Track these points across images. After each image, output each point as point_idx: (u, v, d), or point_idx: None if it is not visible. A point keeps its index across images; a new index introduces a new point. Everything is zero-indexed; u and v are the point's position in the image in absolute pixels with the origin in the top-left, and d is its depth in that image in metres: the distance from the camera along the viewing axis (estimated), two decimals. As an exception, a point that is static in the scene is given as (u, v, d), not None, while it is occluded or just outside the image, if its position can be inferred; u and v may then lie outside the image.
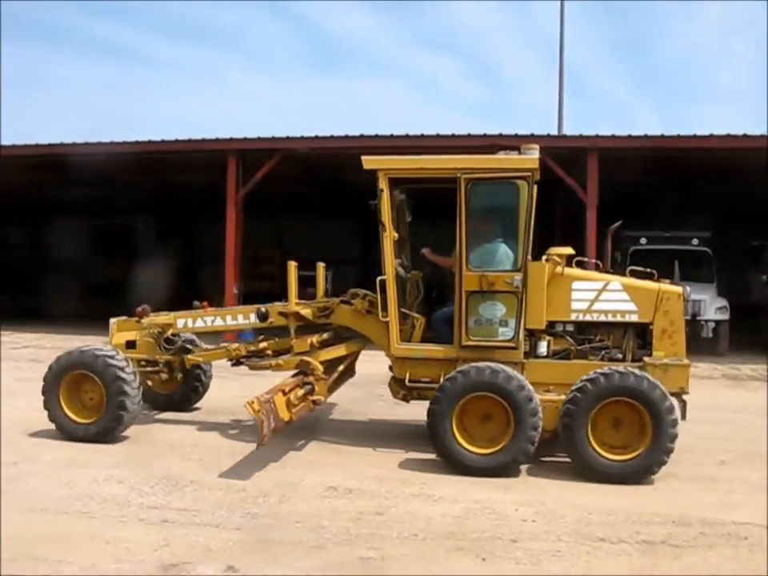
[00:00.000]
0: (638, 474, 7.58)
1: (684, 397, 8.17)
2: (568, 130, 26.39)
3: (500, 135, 16.66)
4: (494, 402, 7.77)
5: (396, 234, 8.65)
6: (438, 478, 7.64)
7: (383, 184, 8.51)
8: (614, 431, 7.74)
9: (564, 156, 17.60)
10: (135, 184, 25.39)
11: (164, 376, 9.90)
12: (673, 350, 8.26)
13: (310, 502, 6.84)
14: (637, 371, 7.68)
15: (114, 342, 9.60)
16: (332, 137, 18.06)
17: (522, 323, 8.22)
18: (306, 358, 8.67)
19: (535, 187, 8.42)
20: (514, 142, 10.34)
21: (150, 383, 9.98)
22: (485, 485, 7.49)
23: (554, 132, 24.31)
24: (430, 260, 9.24)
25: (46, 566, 5.37)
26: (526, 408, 7.63)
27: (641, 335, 8.54)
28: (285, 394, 7.97)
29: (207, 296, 12.45)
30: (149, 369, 9.69)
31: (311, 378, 8.56)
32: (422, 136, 17.58)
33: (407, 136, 17.56)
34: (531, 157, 8.34)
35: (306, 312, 9.09)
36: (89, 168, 21.41)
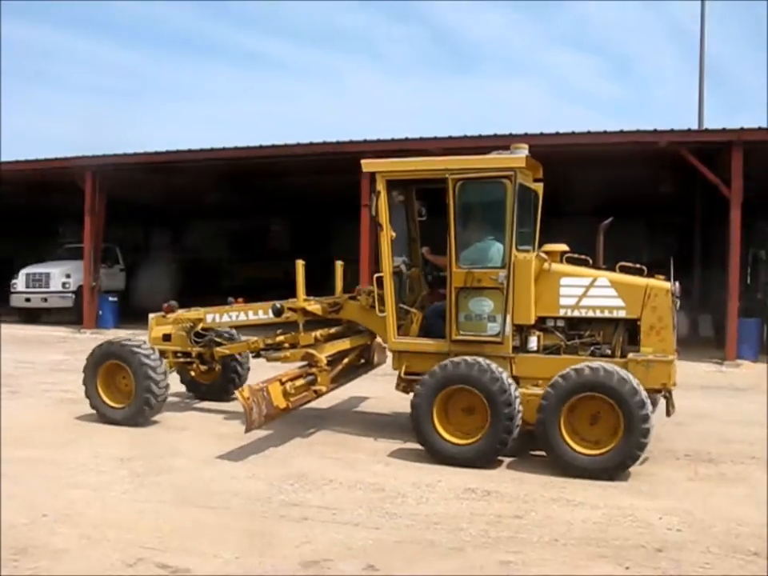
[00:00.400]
0: (611, 468, 7.61)
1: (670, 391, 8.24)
2: (709, 125, 25.33)
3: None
4: (474, 394, 7.98)
5: (393, 234, 9.04)
6: (578, 482, 7.46)
7: (380, 186, 8.89)
8: (591, 426, 7.82)
9: (705, 151, 16.99)
10: (271, 187, 26.00)
11: (203, 367, 10.65)
12: (661, 346, 8.23)
13: (448, 504, 6.81)
14: (608, 366, 7.69)
15: (153, 335, 10.54)
16: (465, 137, 17.95)
17: (510, 319, 8.38)
18: (310, 350, 9.14)
19: (541, 186, 9.22)
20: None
21: (192, 374, 10.84)
22: (626, 490, 7.30)
23: (695, 126, 23.36)
24: (428, 259, 9.64)
25: (192, 558, 5.52)
26: (500, 399, 7.81)
27: (630, 331, 8.51)
28: (282, 383, 8.51)
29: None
30: (181, 360, 10.50)
31: (314, 370, 9.05)
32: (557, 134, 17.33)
33: (541, 134, 17.30)
34: (517, 156, 8.56)
35: (315, 308, 9.55)
36: (225, 172, 22.10)
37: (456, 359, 8.20)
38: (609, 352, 8.49)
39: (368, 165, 9.21)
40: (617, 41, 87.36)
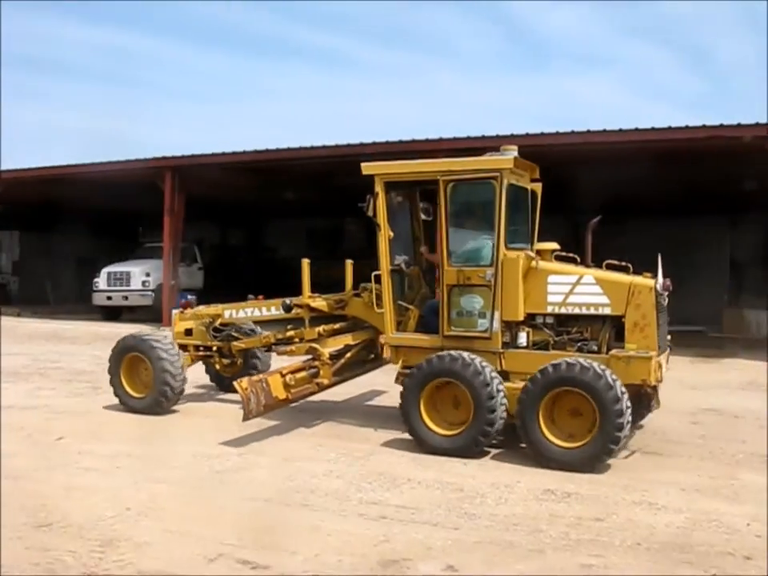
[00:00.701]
0: (586, 461, 7.75)
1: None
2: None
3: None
4: (459, 387, 8.28)
5: (391, 234, 9.34)
6: (660, 485, 7.32)
7: (379, 187, 9.23)
8: (572, 420, 7.99)
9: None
10: (347, 185, 26.08)
11: (225, 361, 11.23)
12: (645, 342, 8.32)
13: (527, 505, 6.73)
14: (585, 362, 7.82)
15: (176, 330, 11.17)
16: (542, 134, 17.78)
17: (498, 315, 8.64)
18: (313, 344, 9.57)
19: (539, 185, 9.58)
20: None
21: (217, 367, 11.37)
22: (709, 495, 7.13)
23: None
24: (426, 258, 9.96)
25: (272, 555, 5.55)
26: (482, 392, 8.09)
27: (617, 327, 8.61)
28: (282, 375, 9.03)
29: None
30: (200, 353, 11.10)
31: (317, 363, 9.48)
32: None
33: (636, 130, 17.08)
34: (505, 157, 8.81)
35: (320, 304, 10.04)
36: (303, 171, 22.28)
37: (442, 353, 8.51)
38: (595, 348, 8.62)
39: (367, 167, 9.42)
40: (695, 32, 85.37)
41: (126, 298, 25.18)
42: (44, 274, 35.93)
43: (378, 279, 9.43)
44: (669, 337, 9.22)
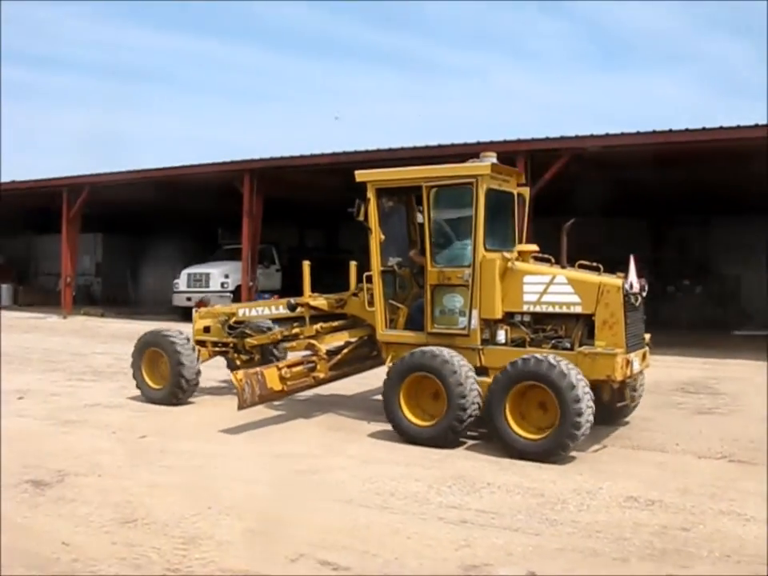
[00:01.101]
0: (547, 452, 8.08)
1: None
2: None
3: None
4: (435, 381, 8.72)
5: (382, 237, 9.83)
6: (748, 495, 7.09)
7: (371, 193, 9.78)
8: (540, 413, 8.34)
9: None
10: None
11: (244, 357, 11.64)
12: (613, 340, 8.64)
13: (610, 512, 6.59)
14: (551, 358, 8.21)
15: (196, 327, 11.83)
16: (623, 134, 17.46)
17: (477, 313, 9.10)
18: (311, 341, 10.16)
19: (527, 189, 10.22)
20: None
21: (237, 363, 11.68)
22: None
23: None
24: (415, 261, 10.10)
25: (351, 556, 5.56)
26: (454, 385, 8.52)
27: (588, 326, 8.92)
28: (278, 369, 9.67)
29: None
30: (217, 349, 11.72)
31: (314, 358, 10.08)
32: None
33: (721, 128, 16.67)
34: (482, 164, 9.29)
35: (320, 303, 10.63)
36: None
37: (420, 349, 9.02)
38: (568, 345, 8.90)
39: (359, 175, 10.01)
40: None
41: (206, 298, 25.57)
42: (125, 276, 36.81)
43: (369, 279, 9.93)
44: (647, 336, 9.66)
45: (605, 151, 18.23)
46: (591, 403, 8.09)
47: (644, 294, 9.29)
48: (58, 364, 15.11)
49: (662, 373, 9.92)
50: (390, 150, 20.31)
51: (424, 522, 6.29)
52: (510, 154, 18.79)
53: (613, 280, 8.89)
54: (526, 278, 9.14)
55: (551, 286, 9.03)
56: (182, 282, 26.41)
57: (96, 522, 6.17)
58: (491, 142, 18.94)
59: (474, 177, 9.10)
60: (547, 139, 18.38)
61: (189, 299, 25.79)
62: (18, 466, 7.76)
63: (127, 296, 35.72)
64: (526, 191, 10.32)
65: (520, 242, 10.05)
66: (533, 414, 8.40)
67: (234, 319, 11.58)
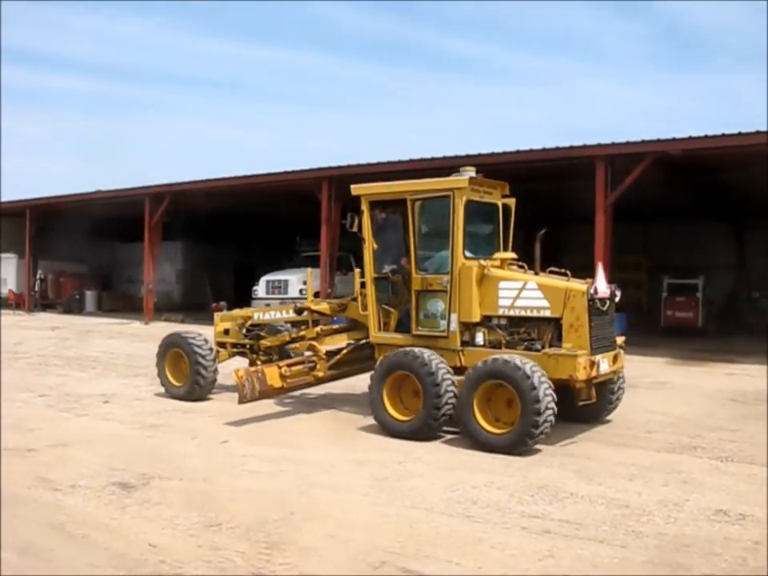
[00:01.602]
0: (509, 446, 8.60)
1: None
2: None
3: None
4: (413, 379, 9.38)
5: (375, 246, 10.54)
6: None
7: (364, 206, 10.54)
8: (507, 410, 8.84)
9: None
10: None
11: (263, 357, 12.24)
12: (578, 342, 9.16)
13: (698, 525, 6.41)
14: (517, 358, 8.76)
15: (217, 330, 12.74)
16: (706, 136, 17.06)
17: (455, 317, 9.75)
18: (312, 342, 10.94)
19: (513, 200, 10.68)
20: None
21: (258, 363, 12.09)
22: None
23: None
24: (406, 268, 10.47)
25: (434, 565, 5.52)
26: (429, 383, 9.15)
27: (558, 328, 9.45)
28: (279, 367, 10.42)
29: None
30: (235, 350, 12.57)
31: (315, 358, 10.81)
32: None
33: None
34: (459, 178, 9.98)
35: (322, 307, 11.51)
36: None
37: (402, 350, 9.72)
38: (539, 347, 9.42)
39: (355, 189, 10.83)
40: None
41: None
42: (205, 282, 37.42)
43: (364, 286, 10.68)
44: (621, 338, 10.15)
45: (687, 154, 17.84)
46: (552, 403, 8.56)
47: (616, 299, 9.86)
48: (141, 369, 15.41)
49: (746, 382, 9.64)
50: (468, 156, 20.22)
51: (507, 532, 6.21)
52: (588, 158, 18.59)
53: (578, 285, 9.40)
54: (501, 284, 9.74)
55: (523, 291, 9.59)
56: (260, 289, 26.71)
57: (181, 525, 6.26)
58: (562, 147, 18.81)
59: (451, 190, 9.77)
60: (628, 143, 18.05)
61: (268, 305, 26.01)
62: (105, 468, 7.94)
63: (207, 302, 36.29)
64: (511, 202, 10.79)
65: (506, 249, 10.64)
66: (501, 410, 8.92)
67: (249, 322, 12.52)
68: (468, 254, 9.88)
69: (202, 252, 38.00)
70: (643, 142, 17.81)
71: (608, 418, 10.45)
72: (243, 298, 27.26)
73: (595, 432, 9.92)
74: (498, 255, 10.17)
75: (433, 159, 20.68)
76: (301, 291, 25.54)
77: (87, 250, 38.54)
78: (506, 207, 10.72)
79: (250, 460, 8.33)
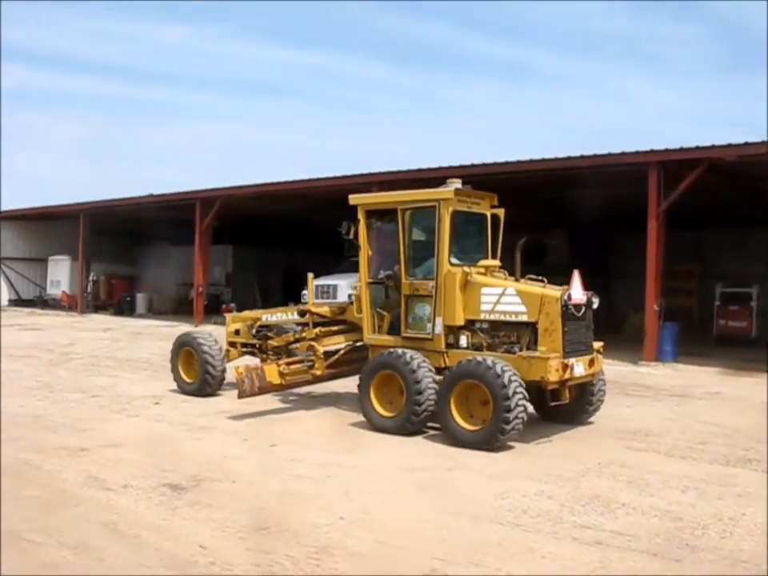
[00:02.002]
0: (481, 442, 9.06)
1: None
2: None
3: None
4: (397, 377, 9.92)
5: (370, 252, 11.15)
6: None
7: (361, 215, 11.06)
8: (482, 408, 9.25)
9: None
10: (550, 199, 25.75)
11: (273, 357, 12.50)
12: (552, 345, 9.60)
13: (755, 540, 6.26)
14: (489, 360, 9.23)
15: (228, 330, 13.31)
16: (763, 142, 16.72)
17: (440, 321, 10.28)
18: (311, 342, 11.56)
19: (502, 210, 11.15)
20: None
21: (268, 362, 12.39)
22: None
23: None
24: (399, 274, 10.88)
25: (484, 573, 5.47)
26: (411, 381, 9.69)
27: (534, 332, 9.89)
28: (278, 365, 11.18)
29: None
30: (245, 349, 13.11)
31: (313, 357, 11.44)
32: None
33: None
34: (446, 189, 10.61)
35: (322, 310, 12.10)
36: (505, 185, 22.10)
37: (388, 350, 10.31)
38: (517, 350, 9.86)
39: (352, 199, 11.28)
40: None
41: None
42: (254, 286, 37.67)
43: (357, 290, 11.47)
44: (599, 344, 10.47)
45: (743, 160, 17.54)
46: (523, 401, 8.99)
47: (593, 306, 10.24)
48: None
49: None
50: (508, 162, 20.18)
51: (558, 542, 6.13)
52: (640, 164, 18.36)
53: (553, 292, 9.85)
54: (483, 290, 10.23)
55: (503, 297, 10.08)
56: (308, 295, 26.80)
57: (231, 528, 6.28)
58: (614, 153, 18.61)
59: (437, 201, 10.34)
60: (681, 149, 17.78)
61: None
62: (156, 469, 8.01)
63: (255, 305, 36.55)
64: (500, 212, 11.26)
65: (494, 257, 11.14)
66: (477, 409, 9.36)
67: (258, 323, 12.96)
68: (455, 260, 10.43)
69: (250, 255, 38.29)
70: (698, 147, 17.53)
71: (590, 420, 10.89)
72: (292, 301, 27.37)
73: (647, 442, 9.78)
74: (482, 263, 10.68)
75: (494, 164, 20.60)
76: (349, 296, 25.60)
77: (138, 252, 39.07)
78: (494, 217, 11.26)
79: (298, 464, 8.35)
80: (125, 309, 36.11)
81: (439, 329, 10.30)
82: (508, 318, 10.08)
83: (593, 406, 10.69)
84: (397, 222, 10.63)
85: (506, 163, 20.35)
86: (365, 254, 11.12)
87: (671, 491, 7.57)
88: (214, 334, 13.28)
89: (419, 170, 22.13)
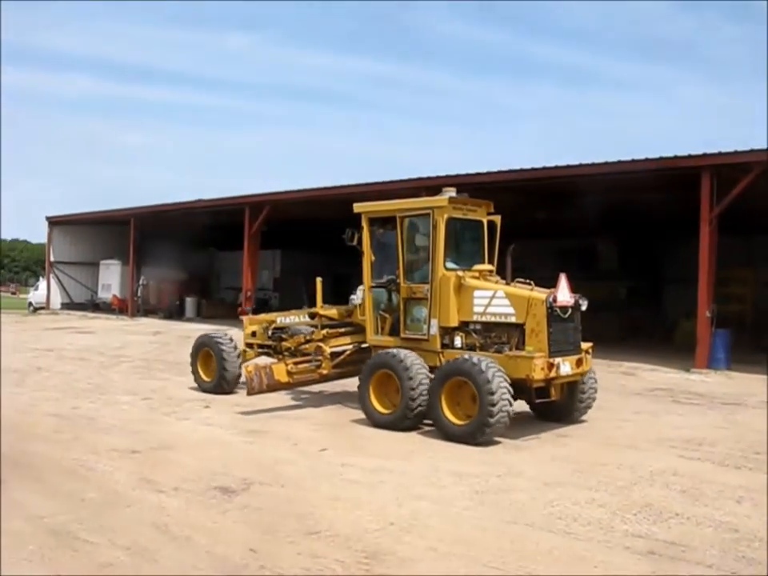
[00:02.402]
0: (468, 435, 9.62)
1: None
2: None
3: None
4: (393, 376, 10.51)
5: (373, 257, 11.73)
6: None
7: (364, 222, 11.73)
8: (472, 404, 9.75)
9: None
10: (598, 205, 25.47)
11: (288, 357, 12.73)
12: (538, 345, 10.14)
13: (814, 553, 6.12)
14: (475, 358, 9.80)
15: (246, 332, 13.84)
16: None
17: (436, 322, 10.95)
18: (319, 343, 12.27)
19: (498, 217, 11.69)
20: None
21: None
22: None
23: None
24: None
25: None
26: (405, 379, 10.26)
27: (523, 333, 10.43)
28: (286, 364, 11.93)
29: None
30: (261, 350, 13.58)
31: (320, 357, 12.09)
32: None
33: None
34: (441, 197, 11.28)
35: (330, 312, 12.92)
36: (554, 189, 21.97)
37: (384, 350, 11.03)
38: (507, 349, 10.44)
39: (357, 207, 11.90)
40: None
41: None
42: (302, 290, 37.83)
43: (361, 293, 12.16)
44: (588, 344, 10.85)
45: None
46: (507, 396, 9.50)
47: (582, 308, 10.74)
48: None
49: None
50: (558, 167, 20.06)
51: (609, 551, 6.06)
52: (692, 169, 18.07)
53: (539, 294, 10.36)
54: (476, 293, 10.81)
55: (494, 300, 10.63)
56: (357, 299, 26.88)
57: (281, 532, 6.30)
58: (666, 157, 18.35)
59: (431, 208, 11.01)
60: (734, 153, 17.42)
61: (364, 314, 26.12)
62: (207, 472, 8.08)
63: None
64: (497, 219, 11.78)
65: (491, 262, 11.72)
66: (467, 404, 9.87)
67: (273, 325, 13.39)
68: (452, 265, 11.09)
69: (299, 260, 38.46)
70: (752, 151, 17.18)
71: (583, 418, 11.31)
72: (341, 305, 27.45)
73: (700, 451, 9.62)
74: (476, 267, 11.24)
75: (544, 169, 20.50)
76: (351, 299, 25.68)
77: (187, 257, 39.47)
78: (491, 223, 11.83)
79: (348, 469, 8.35)
80: (174, 313, 36.53)
81: (435, 330, 10.99)
82: (498, 320, 10.66)
83: (583, 404, 11.12)
84: (396, 229, 11.24)
85: (557, 167, 20.21)
86: (368, 259, 11.79)
87: (726, 501, 7.44)
88: (231, 336, 14.04)
89: (467, 175, 22.06)
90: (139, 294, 37.34)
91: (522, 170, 20.92)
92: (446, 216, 10.89)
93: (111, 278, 39.65)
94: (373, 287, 11.84)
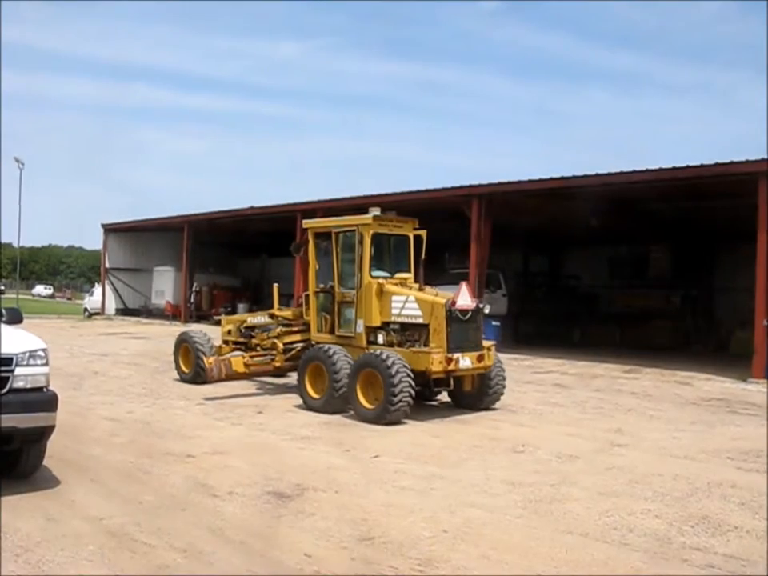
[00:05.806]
0: (376, 417, 11.33)
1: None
2: None
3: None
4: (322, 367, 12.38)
5: (318, 266, 13.76)
6: None
7: (310, 236, 13.84)
8: (381, 391, 11.32)
9: None
10: (651, 211, 25.18)
11: (261, 352, 14.59)
12: (440, 343, 11.87)
13: None
14: (385, 353, 11.55)
15: (223, 330, 16.05)
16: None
17: (361, 322, 12.80)
18: (274, 340, 14.33)
19: (424, 232, 13.58)
20: None
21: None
22: None
23: None
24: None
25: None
26: (330, 368, 12.11)
27: (429, 332, 12.10)
28: (243, 357, 13.95)
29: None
30: (235, 346, 15.49)
31: (274, 352, 14.18)
32: None
33: None
34: (366, 216, 13.01)
35: (284, 313, 14.94)
36: (608, 197, 21.72)
37: (316, 345, 13.07)
38: (417, 346, 12.07)
39: (305, 223, 14.04)
40: None
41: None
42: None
43: (305, 297, 14.25)
44: (491, 343, 12.68)
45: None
46: (407, 387, 11.16)
47: (485, 311, 12.63)
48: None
49: None
50: (610, 174, 19.81)
51: (666, 563, 5.97)
52: (749, 175, 17.73)
53: (439, 299, 12.12)
54: (393, 298, 12.62)
55: (407, 304, 12.41)
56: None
57: (335, 537, 6.33)
58: (722, 163, 18.07)
59: (357, 225, 12.93)
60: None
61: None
62: (261, 477, 8.14)
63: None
64: (423, 233, 13.58)
65: (416, 271, 13.66)
66: (377, 392, 11.41)
67: (245, 324, 15.48)
68: (379, 273, 13.01)
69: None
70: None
71: (494, 406, 12.95)
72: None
73: (759, 463, 9.43)
74: (398, 275, 13.20)
75: (586, 177, 20.36)
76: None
77: (240, 263, 39.78)
78: (417, 237, 13.61)
79: (401, 476, 8.35)
80: (226, 319, 36.74)
81: (361, 329, 12.87)
82: (410, 320, 12.42)
83: (492, 390, 12.72)
84: (331, 243, 13.24)
85: (609, 174, 20.01)
86: (313, 267, 13.83)
87: (777, 516, 7.28)
88: (206, 333, 16.20)
89: (519, 182, 22.00)
90: (192, 300, 37.73)
91: (572, 178, 20.76)
92: (371, 232, 12.76)
93: (165, 285, 40.14)
94: (317, 292, 13.80)
